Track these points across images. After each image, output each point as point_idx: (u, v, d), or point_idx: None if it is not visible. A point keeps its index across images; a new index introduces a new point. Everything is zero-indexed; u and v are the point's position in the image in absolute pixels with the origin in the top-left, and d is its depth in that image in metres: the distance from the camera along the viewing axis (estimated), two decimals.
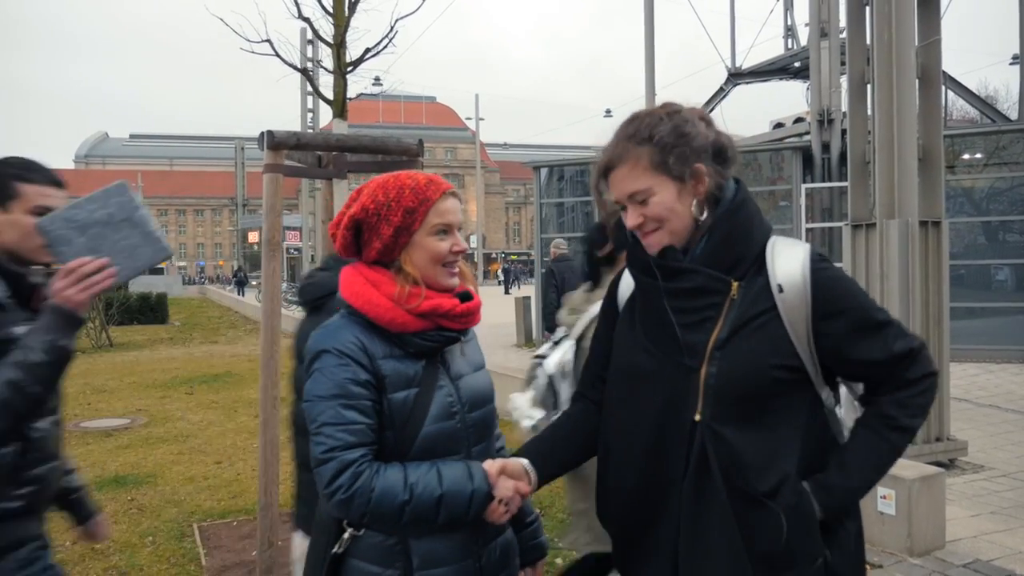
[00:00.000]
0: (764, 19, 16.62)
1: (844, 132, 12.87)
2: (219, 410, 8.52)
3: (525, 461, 1.57)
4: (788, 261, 1.46)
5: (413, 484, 1.45)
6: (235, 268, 51.95)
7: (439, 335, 1.56)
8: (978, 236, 12.98)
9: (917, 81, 6.23)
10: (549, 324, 8.50)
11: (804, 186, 12.42)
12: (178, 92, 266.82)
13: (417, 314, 1.52)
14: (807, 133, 14.16)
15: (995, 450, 6.33)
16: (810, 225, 12.59)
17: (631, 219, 1.51)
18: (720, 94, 16.70)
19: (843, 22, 14.37)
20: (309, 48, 19.21)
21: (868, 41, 6.52)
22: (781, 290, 1.44)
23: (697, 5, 16.19)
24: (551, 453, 1.64)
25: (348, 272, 1.60)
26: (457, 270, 1.60)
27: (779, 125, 15.83)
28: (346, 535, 1.52)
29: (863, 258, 6.35)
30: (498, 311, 15.91)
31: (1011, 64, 25.35)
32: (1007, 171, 12.40)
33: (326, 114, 15.66)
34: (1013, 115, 15.69)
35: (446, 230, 1.57)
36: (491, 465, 1.53)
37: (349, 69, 12.02)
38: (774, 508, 1.39)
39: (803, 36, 16.38)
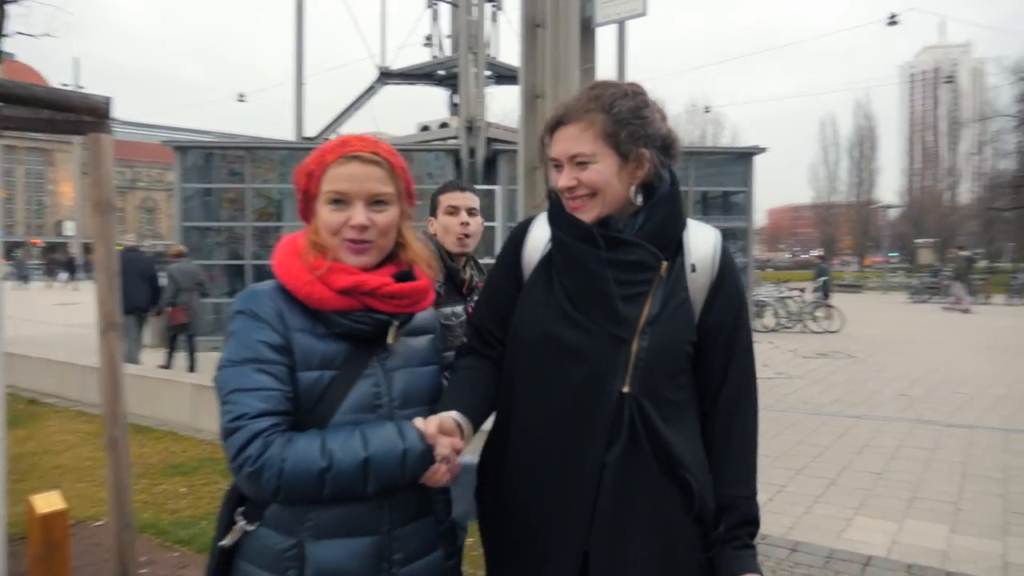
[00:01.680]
0: (411, 27, 17.27)
1: (489, 140, 14.09)
2: None
3: (455, 414, 1.45)
4: (703, 243, 1.55)
5: (332, 449, 1.30)
6: None
7: (367, 317, 1.41)
8: None
9: None
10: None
11: None
12: None
13: (338, 290, 1.38)
14: (452, 137, 15.16)
15: None
16: None
17: (564, 179, 1.50)
18: (370, 91, 16.97)
19: (492, 41, 15.72)
20: None
21: (539, 60, 7.27)
22: (694, 269, 1.52)
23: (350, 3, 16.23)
24: (476, 405, 1.52)
25: (286, 240, 1.49)
26: (366, 246, 1.43)
27: (425, 128, 16.63)
28: (237, 526, 1.37)
29: None
30: None
31: None
32: None
33: None
34: None
35: (339, 199, 1.41)
36: (425, 423, 1.39)
37: None
38: (697, 482, 1.46)
39: (447, 47, 17.47)
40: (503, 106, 31.52)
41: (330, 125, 17.09)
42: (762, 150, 14.14)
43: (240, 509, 1.40)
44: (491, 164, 13.98)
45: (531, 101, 7.36)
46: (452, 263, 2.61)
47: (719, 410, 1.53)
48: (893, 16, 23.97)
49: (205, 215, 13.60)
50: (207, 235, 13.58)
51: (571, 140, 1.49)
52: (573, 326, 1.48)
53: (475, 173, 14.01)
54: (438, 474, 1.38)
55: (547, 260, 1.57)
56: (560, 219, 1.55)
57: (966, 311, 21.26)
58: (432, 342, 1.58)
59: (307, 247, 1.43)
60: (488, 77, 15.14)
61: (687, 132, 53.05)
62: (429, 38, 20.85)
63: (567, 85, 6.98)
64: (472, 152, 13.92)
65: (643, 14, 6.71)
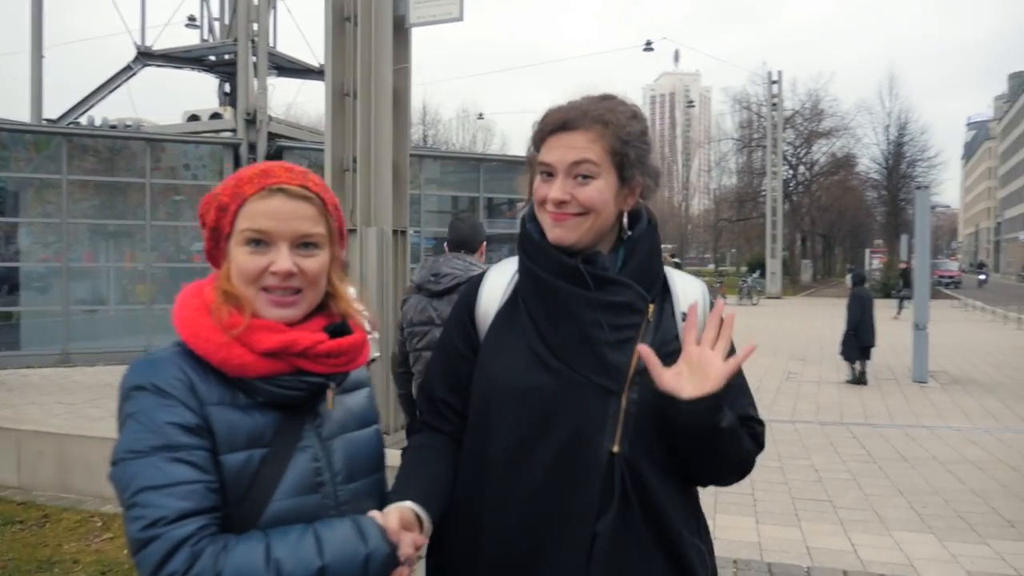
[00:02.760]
0: (177, 5, 15.65)
1: (271, 135, 13.20)
2: None
3: (414, 505, 1.24)
4: (691, 290, 1.44)
5: (280, 559, 1.05)
6: None
7: (298, 381, 1.16)
8: None
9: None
10: None
11: None
12: None
13: (261, 352, 1.13)
14: (226, 130, 14.00)
15: None
16: None
17: (557, 191, 1.31)
18: (128, 72, 15.13)
19: (271, 29, 14.72)
20: None
21: (348, 56, 6.86)
22: (684, 318, 1.38)
23: None
24: (435, 493, 1.31)
25: (188, 290, 1.23)
26: (292, 299, 1.18)
27: (194, 117, 15.17)
28: None
29: None
30: None
31: None
32: None
33: None
34: None
35: (259, 239, 1.16)
36: (386, 517, 1.18)
37: None
38: (691, 545, 1.33)
39: (217, 30, 16.09)
40: (282, 98, 29.68)
41: (78, 106, 14.99)
42: None
43: None
44: (274, 160, 13.08)
45: (339, 99, 6.94)
46: None
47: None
48: (649, 43, 26.37)
49: None
50: None
51: (577, 148, 1.31)
52: (553, 375, 1.30)
53: None
54: None
55: (510, 306, 1.39)
56: (537, 253, 1.36)
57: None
58: (368, 398, 1.34)
59: (218, 299, 1.16)
60: (269, 68, 14.16)
61: (459, 138, 54.15)
62: (193, 19, 19.14)
63: (379, 84, 6.68)
64: (252, 147, 12.94)
65: (459, 19, 6.60)
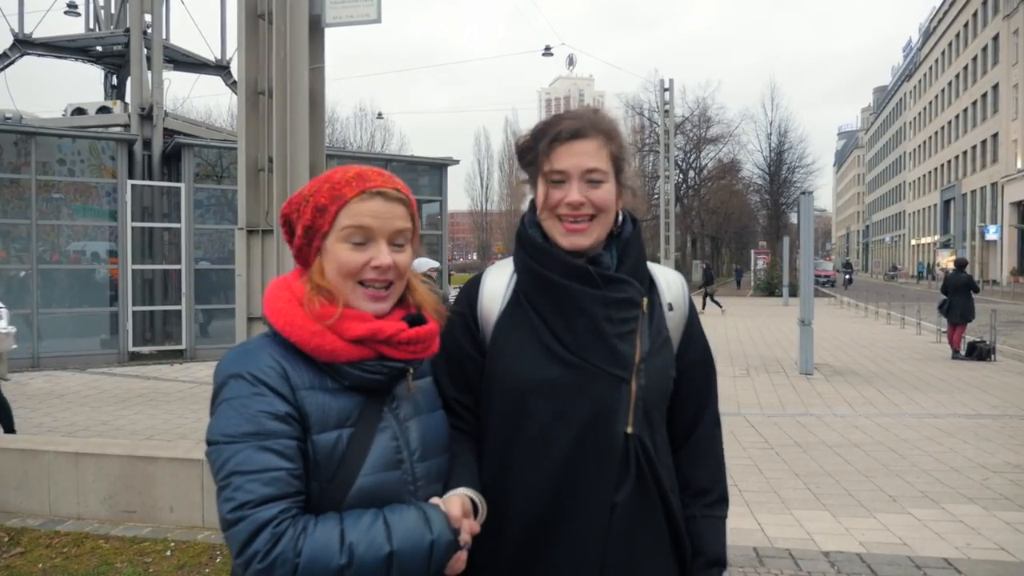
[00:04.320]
0: None
1: (168, 132, 12.68)
2: None
3: (469, 491, 1.37)
4: (673, 283, 1.59)
5: (353, 543, 1.17)
6: None
7: (381, 366, 1.28)
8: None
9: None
10: None
11: (131, 182, 11.68)
12: None
13: (350, 339, 1.25)
14: (116, 125, 13.34)
15: None
16: (138, 224, 11.92)
17: (574, 194, 1.43)
18: (4, 60, 14.13)
19: (173, 23, 13.98)
20: None
21: (262, 54, 6.74)
22: (671, 308, 1.55)
23: None
24: (478, 480, 1.44)
25: (276, 283, 1.35)
26: (385, 294, 1.30)
27: (80, 111, 14.34)
28: None
29: (258, 262, 6.55)
30: None
31: None
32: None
33: None
34: None
35: (365, 238, 1.28)
36: (448, 504, 1.30)
37: None
38: (678, 508, 1.50)
39: (103, 19, 15.27)
40: (175, 93, 28.41)
41: None
42: (455, 161, 14.85)
43: None
44: (171, 159, 12.56)
45: (253, 97, 6.80)
46: None
47: (700, 441, 1.59)
48: (548, 48, 26.87)
49: None
50: None
51: (589, 155, 1.45)
52: (567, 368, 1.43)
53: (150, 167, 12.48)
54: (458, 563, 1.29)
55: (514, 306, 1.50)
56: (544, 256, 1.48)
57: None
58: (434, 385, 1.46)
59: (310, 292, 1.26)
60: (169, 63, 13.58)
61: (357, 137, 53.27)
62: (73, 6, 18.09)
63: (295, 83, 6.60)
64: (147, 143, 12.39)
65: (377, 21, 6.60)
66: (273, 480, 1.16)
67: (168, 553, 4.17)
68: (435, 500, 1.31)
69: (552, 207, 1.47)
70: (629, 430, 1.43)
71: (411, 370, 1.33)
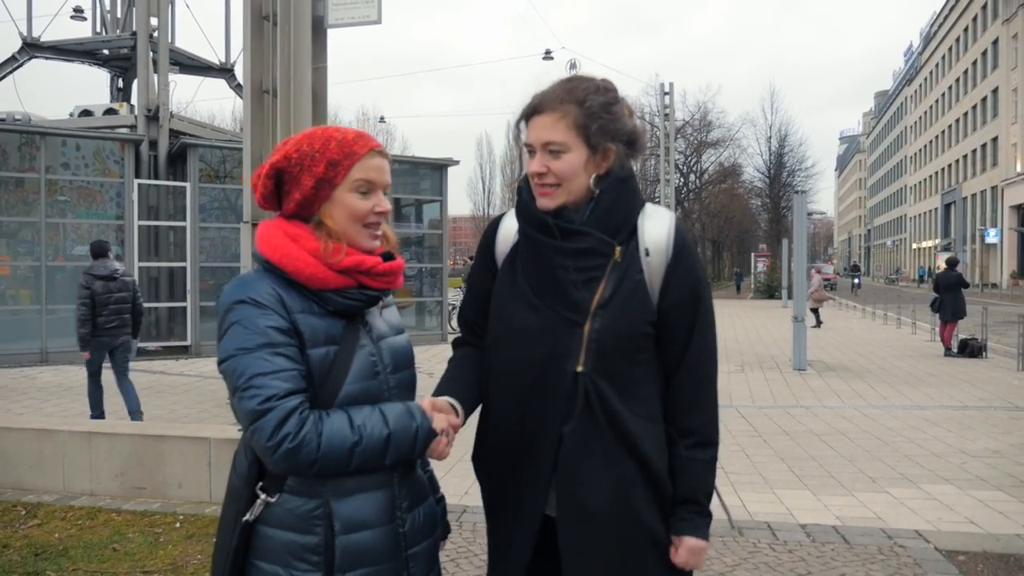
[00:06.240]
0: None
1: (174, 133, 12.93)
2: None
3: (449, 398, 1.63)
4: (656, 227, 1.63)
5: (361, 425, 1.42)
6: None
7: (361, 293, 1.53)
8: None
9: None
10: None
11: (138, 182, 11.93)
12: None
13: (338, 270, 1.50)
14: (122, 126, 13.60)
15: None
16: (144, 223, 12.17)
17: (535, 165, 1.60)
18: (13, 63, 14.41)
19: (176, 27, 14.26)
20: None
21: (267, 54, 6.99)
22: (647, 254, 1.61)
23: None
24: (467, 392, 1.69)
25: (266, 225, 1.55)
26: (380, 233, 1.57)
27: (87, 112, 14.63)
28: (259, 501, 1.45)
29: None
30: None
31: None
32: None
33: None
34: None
35: (369, 189, 1.53)
36: (425, 402, 1.57)
37: None
38: (652, 457, 1.58)
39: (109, 23, 15.55)
40: (180, 96, 28.81)
41: None
42: (455, 162, 15.07)
43: (259, 484, 1.47)
44: (177, 159, 12.81)
45: (259, 96, 7.05)
46: None
47: (683, 382, 1.65)
48: (548, 52, 27.10)
49: None
50: None
51: (545, 128, 1.59)
52: (533, 311, 1.62)
53: (157, 167, 12.74)
54: (440, 446, 1.54)
55: (515, 250, 1.70)
56: (524, 210, 1.67)
57: None
58: (395, 311, 1.71)
59: (323, 235, 1.49)
60: (175, 65, 13.85)
61: None
62: (80, 10, 18.36)
63: (298, 83, 6.83)
64: (153, 144, 12.65)
65: (377, 22, 6.85)
66: (291, 377, 1.39)
67: (177, 525, 4.39)
68: (418, 400, 1.57)
69: (530, 174, 1.66)
70: (579, 369, 1.58)
71: (384, 298, 1.60)
